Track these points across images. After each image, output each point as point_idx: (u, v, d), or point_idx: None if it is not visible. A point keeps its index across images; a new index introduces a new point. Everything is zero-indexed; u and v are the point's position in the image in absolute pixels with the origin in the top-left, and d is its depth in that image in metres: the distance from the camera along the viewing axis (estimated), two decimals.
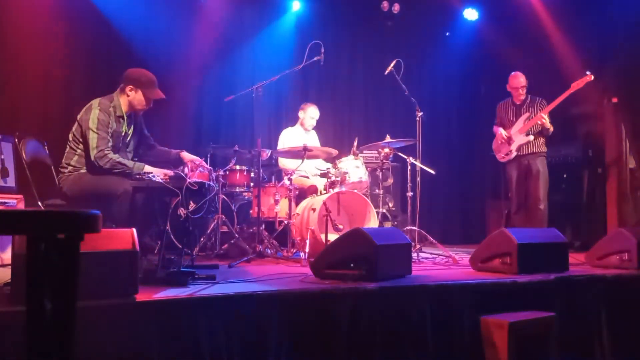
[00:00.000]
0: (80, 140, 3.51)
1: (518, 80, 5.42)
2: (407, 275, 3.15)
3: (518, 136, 5.32)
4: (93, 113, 3.47)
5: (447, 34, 7.57)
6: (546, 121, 5.13)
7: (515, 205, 5.44)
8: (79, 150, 3.52)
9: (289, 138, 5.46)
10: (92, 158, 3.41)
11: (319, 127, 5.71)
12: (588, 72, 5.00)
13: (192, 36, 6.17)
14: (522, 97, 5.42)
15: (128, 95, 3.61)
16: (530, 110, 5.34)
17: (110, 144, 3.48)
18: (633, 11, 5.82)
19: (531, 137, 5.26)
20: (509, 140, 5.35)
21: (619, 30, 5.96)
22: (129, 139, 3.71)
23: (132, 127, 3.73)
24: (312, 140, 5.59)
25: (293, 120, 5.84)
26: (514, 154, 5.34)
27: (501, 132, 5.41)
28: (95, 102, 3.54)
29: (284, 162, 5.38)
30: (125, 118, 3.65)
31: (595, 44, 6.04)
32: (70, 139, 3.56)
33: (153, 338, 2.17)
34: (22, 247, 2.08)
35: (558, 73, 5.97)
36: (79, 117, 3.55)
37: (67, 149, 3.56)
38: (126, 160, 3.49)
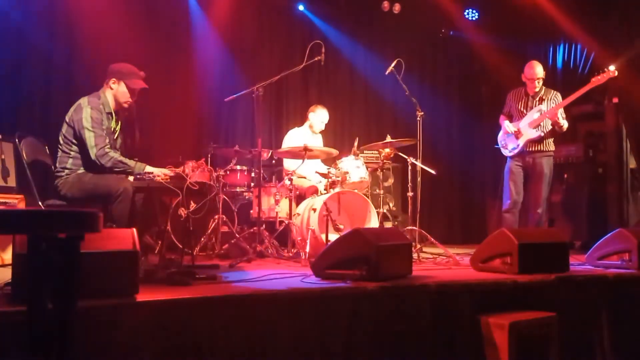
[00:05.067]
0: (74, 141, 3.45)
1: (534, 71, 4.94)
2: (407, 275, 3.15)
3: (527, 130, 4.93)
4: (85, 112, 3.42)
5: (451, 33, 7.56)
6: (560, 120, 4.76)
7: (509, 203, 5.05)
8: (72, 153, 3.46)
9: (295, 139, 5.34)
10: (93, 157, 3.37)
11: None
12: (612, 67, 4.65)
13: (192, 36, 6.18)
14: (537, 89, 4.98)
15: (112, 89, 3.58)
16: (543, 104, 4.93)
17: (107, 140, 3.45)
18: (633, 11, 5.82)
19: (541, 133, 4.88)
20: (517, 134, 4.97)
21: (619, 30, 5.96)
22: (116, 136, 3.68)
23: (119, 123, 3.70)
24: (318, 143, 5.48)
25: (294, 120, 5.83)
26: (521, 148, 4.96)
27: (508, 125, 5.03)
28: (84, 101, 3.48)
29: (289, 165, 5.28)
30: (114, 115, 3.63)
31: (596, 43, 6.05)
32: (62, 141, 3.49)
33: (153, 338, 2.17)
34: (23, 246, 2.07)
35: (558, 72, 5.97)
36: (67, 117, 3.49)
37: (59, 153, 3.49)
38: (127, 159, 3.46)
